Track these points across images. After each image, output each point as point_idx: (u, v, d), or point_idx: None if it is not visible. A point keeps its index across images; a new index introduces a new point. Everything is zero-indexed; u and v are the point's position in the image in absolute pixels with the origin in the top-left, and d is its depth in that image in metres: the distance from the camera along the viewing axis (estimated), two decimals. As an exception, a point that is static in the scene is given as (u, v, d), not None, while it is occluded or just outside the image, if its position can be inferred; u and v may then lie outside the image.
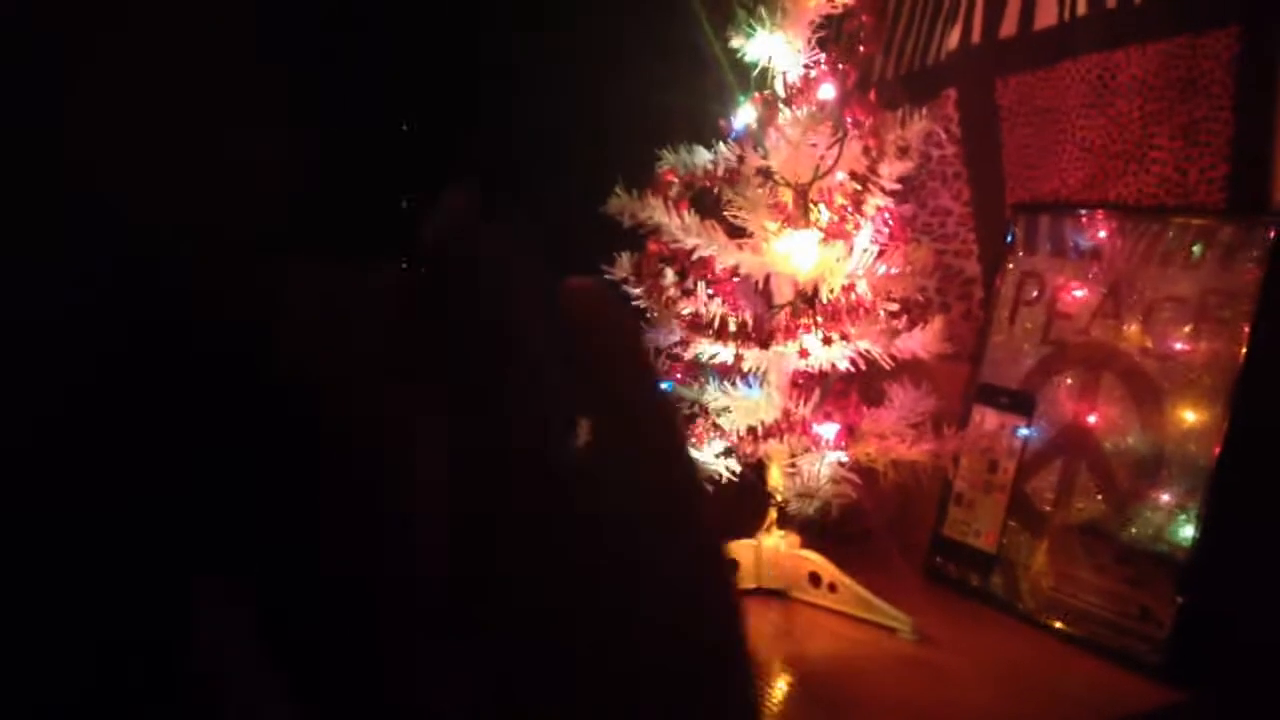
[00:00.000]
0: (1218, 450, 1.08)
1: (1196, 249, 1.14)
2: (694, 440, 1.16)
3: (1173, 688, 1.04)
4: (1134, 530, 1.13)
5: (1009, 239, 1.34)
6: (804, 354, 1.13)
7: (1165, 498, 1.11)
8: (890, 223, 1.17)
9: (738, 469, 1.16)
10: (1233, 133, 1.16)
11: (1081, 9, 1.33)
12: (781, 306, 1.17)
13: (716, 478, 1.16)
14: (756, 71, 1.20)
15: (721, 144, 1.20)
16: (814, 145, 1.15)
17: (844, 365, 1.16)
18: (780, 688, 1.07)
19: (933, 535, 1.34)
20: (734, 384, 1.19)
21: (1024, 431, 1.26)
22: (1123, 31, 1.27)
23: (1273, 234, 1.06)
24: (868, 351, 1.16)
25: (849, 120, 1.15)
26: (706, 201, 1.20)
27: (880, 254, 1.16)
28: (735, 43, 1.18)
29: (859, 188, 1.14)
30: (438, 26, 2.58)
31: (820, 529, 1.19)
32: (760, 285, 1.21)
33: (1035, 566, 1.21)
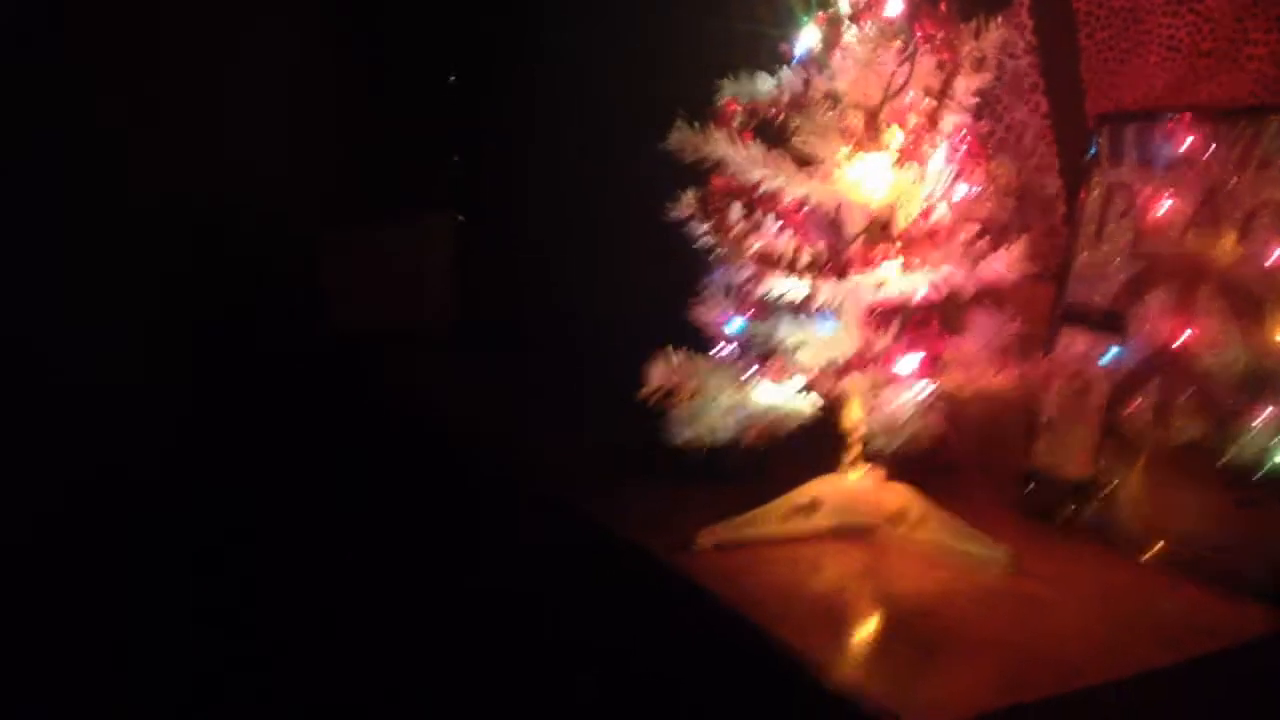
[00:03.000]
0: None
1: (1300, 148, 1.07)
2: (772, 378, 1.13)
3: (1287, 613, 1.00)
4: (1239, 450, 1.07)
5: (1092, 151, 1.27)
6: (881, 285, 1.09)
7: (1272, 414, 1.05)
8: (967, 141, 1.12)
9: (820, 404, 1.13)
10: (1337, 20, 1.08)
11: (1163, -104, 1.24)
12: (857, 235, 1.12)
13: (797, 415, 1.12)
14: (819, -11, 1.14)
15: (785, 69, 1.15)
16: (883, 64, 1.09)
17: (924, 293, 1.11)
18: (872, 626, 1.04)
19: (1023, 465, 1.29)
20: (809, 319, 1.15)
21: (1116, 352, 1.21)
22: (1210, -82, 1.19)
23: (1386, 128, 0.99)
24: (948, 277, 1.11)
25: (919, 35, 1.09)
26: (772, 131, 1.16)
27: (958, 175, 1.11)
28: (795, -40, 1.13)
29: (934, 106, 1.08)
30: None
31: (906, 462, 1.15)
32: (832, 215, 1.17)
33: (1133, 492, 1.17)
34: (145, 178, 2.33)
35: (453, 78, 2.68)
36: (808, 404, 1.12)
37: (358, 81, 2.54)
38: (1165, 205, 1.19)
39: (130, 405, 2.25)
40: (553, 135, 2.37)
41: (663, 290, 1.30)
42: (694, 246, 1.21)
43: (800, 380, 1.12)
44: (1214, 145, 1.15)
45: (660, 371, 1.19)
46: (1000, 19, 1.12)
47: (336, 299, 2.47)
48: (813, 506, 1.21)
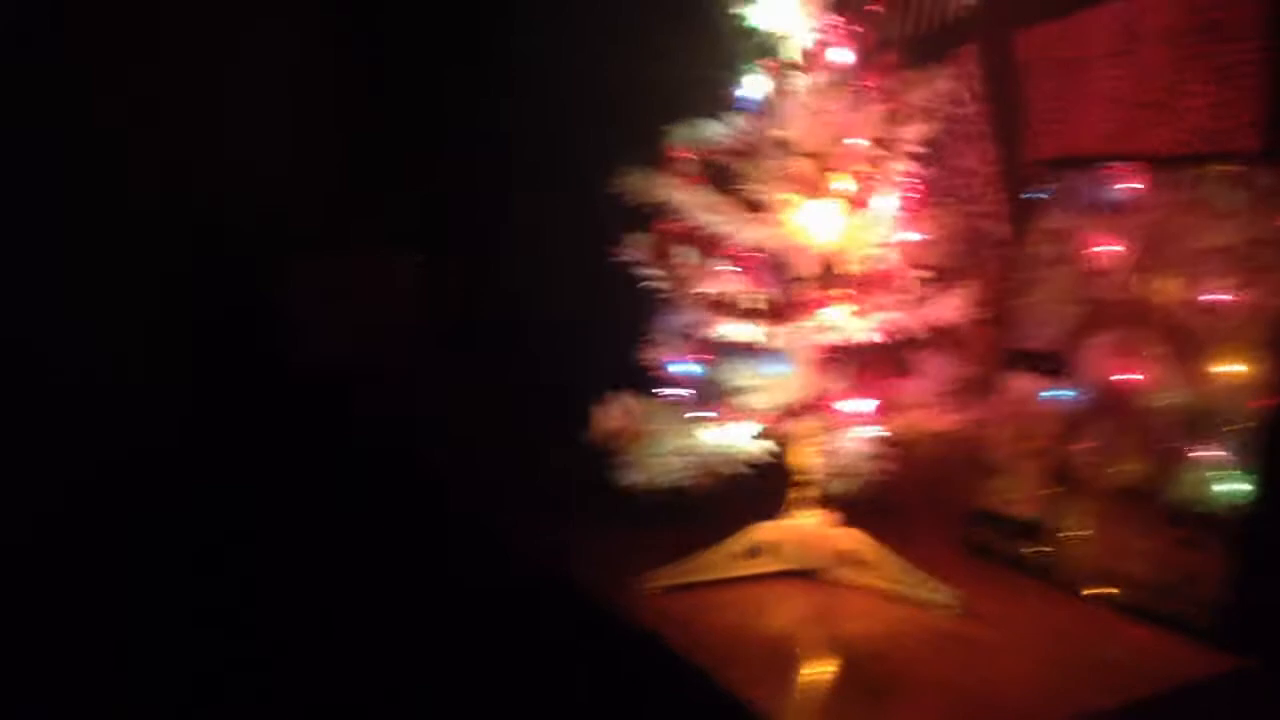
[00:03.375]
0: (1269, 402, 1.03)
1: (1236, 197, 1.09)
2: (721, 421, 1.13)
3: (1228, 653, 1.01)
4: (1182, 491, 1.09)
5: (1037, 197, 1.30)
6: (831, 329, 1.10)
7: (1214, 455, 1.07)
8: (915, 188, 1.13)
9: (770, 449, 1.13)
10: (1267, 74, 1.11)
11: (1102, -46, 1.28)
12: (806, 280, 1.13)
13: (747, 460, 1.12)
14: (767, 38, 1.15)
15: (735, 115, 1.16)
16: (832, 112, 1.11)
17: (874, 337, 1.12)
18: (822, 671, 1.04)
19: (970, 506, 1.30)
20: (759, 362, 1.16)
21: (1061, 394, 1.22)
22: (1146, -25, 1.23)
23: (1318, 177, 1.02)
24: (896, 321, 1.12)
25: (867, 84, 1.11)
26: (723, 176, 1.17)
27: (905, 221, 1.12)
28: (743, 9, 1.14)
29: (882, 153, 1.10)
30: (437, 9, 2.54)
31: (855, 504, 1.15)
32: (782, 259, 1.18)
33: (1078, 533, 1.18)
34: (141, 178, 2.30)
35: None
36: (758, 448, 1.12)
37: (326, 114, 2.53)
38: (1108, 250, 1.21)
39: (129, 405, 2.22)
40: (518, 174, 2.37)
41: (623, 329, 1.30)
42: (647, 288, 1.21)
43: (750, 424, 1.12)
44: (1156, 192, 1.17)
45: (611, 414, 1.19)
46: (947, 69, 1.14)
47: (301, 329, 2.45)
48: (763, 549, 1.22)
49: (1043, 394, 1.24)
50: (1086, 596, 1.15)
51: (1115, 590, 1.13)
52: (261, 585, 2.16)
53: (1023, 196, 1.35)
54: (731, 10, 1.16)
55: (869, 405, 1.11)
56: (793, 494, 1.21)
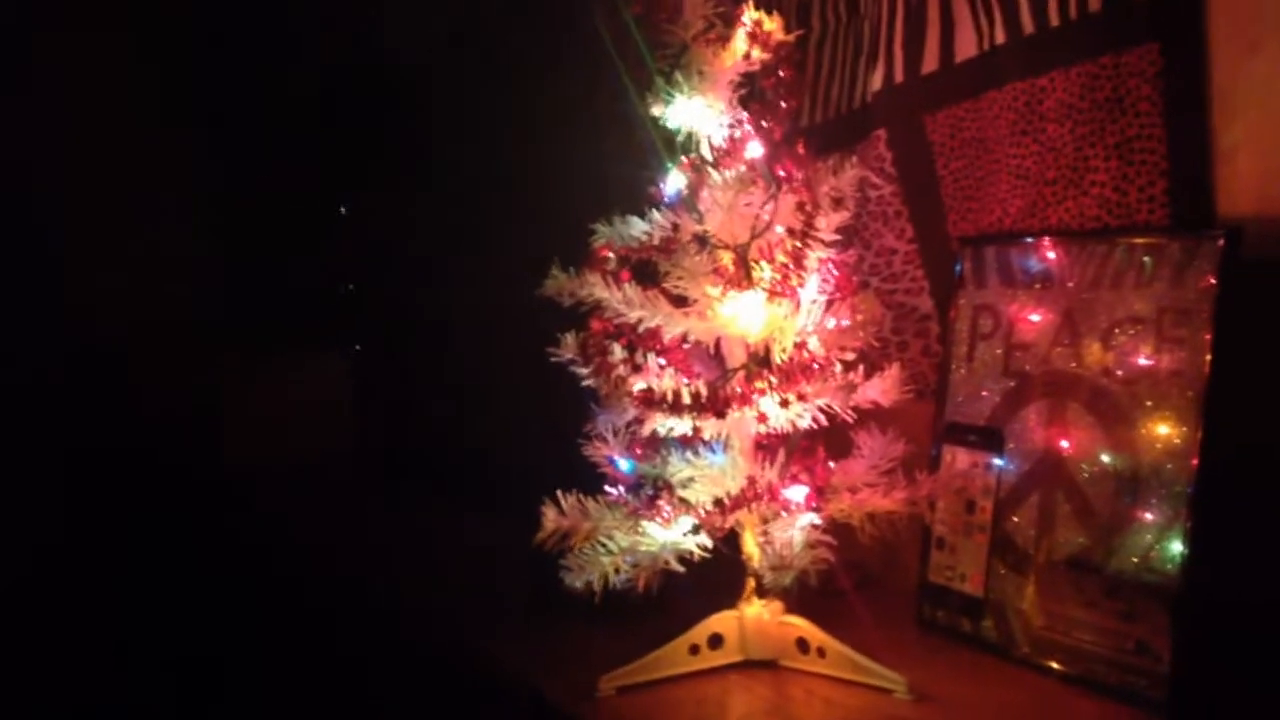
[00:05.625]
0: (1195, 463, 1.04)
1: (1147, 267, 1.12)
2: (660, 519, 1.12)
3: (1180, 724, 1.01)
4: (1121, 559, 1.09)
5: (957, 272, 1.32)
6: (762, 419, 1.10)
7: (1149, 519, 1.08)
8: (835, 273, 1.15)
9: (709, 544, 1.12)
10: (1166, 148, 1.15)
11: (1000, 38, 1.32)
12: (734, 372, 1.14)
13: (688, 555, 1.11)
14: (682, 136, 1.18)
15: (655, 212, 1.18)
16: (748, 205, 1.13)
17: (805, 424, 1.12)
18: (779, 766, 1.02)
19: (919, 583, 1.30)
20: (696, 453, 1.16)
21: (997, 466, 1.23)
22: (1044, 56, 1.27)
23: (1221, 244, 1.05)
24: (827, 407, 1.13)
25: (780, 175, 1.13)
26: (648, 271, 1.18)
27: (828, 306, 1.14)
28: (655, 110, 1.16)
29: (798, 244, 1.11)
30: (365, 107, 2.56)
31: (802, 591, 1.15)
32: (712, 349, 1.19)
33: (1025, 607, 1.18)
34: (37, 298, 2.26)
35: (343, 209, 2.69)
36: (699, 543, 1.12)
37: (250, 210, 2.53)
38: (1029, 323, 1.23)
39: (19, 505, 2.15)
40: (447, 268, 2.38)
41: (560, 426, 1.29)
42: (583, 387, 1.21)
43: (690, 519, 1.12)
44: (1069, 265, 1.20)
45: (553, 515, 1.18)
46: (856, 156, 1.17)
47: (233, 429, 2.42)
48: (714, 643, 1.20)
49: (979, 467, 1.25)
50: (1038, 670, 1.15)
51: (1066, 664, 1.13)
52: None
53: (945, 272, 1.38)
54: (648, 112, 1.18)
55: (802, 493, 1.11)
56: (743, 585, 1.20)
